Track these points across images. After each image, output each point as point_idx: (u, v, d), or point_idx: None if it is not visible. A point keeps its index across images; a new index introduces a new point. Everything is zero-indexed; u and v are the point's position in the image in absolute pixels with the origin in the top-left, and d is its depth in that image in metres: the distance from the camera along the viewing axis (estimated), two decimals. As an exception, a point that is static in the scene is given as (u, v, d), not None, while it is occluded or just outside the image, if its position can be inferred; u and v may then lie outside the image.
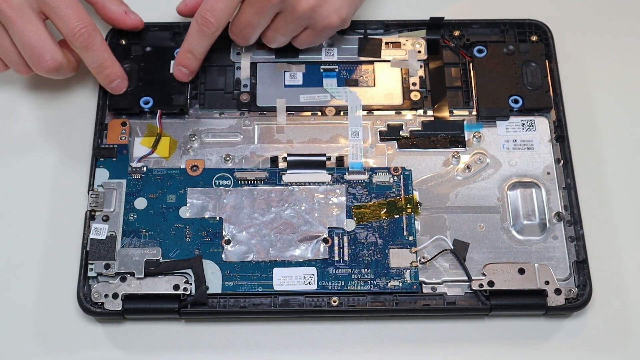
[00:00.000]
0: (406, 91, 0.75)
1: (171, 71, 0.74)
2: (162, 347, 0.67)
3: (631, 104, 0.77)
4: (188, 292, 0.66)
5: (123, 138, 0.72)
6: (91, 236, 0.68)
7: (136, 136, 0.73)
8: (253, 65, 0.76)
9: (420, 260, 0.68)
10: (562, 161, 0.72)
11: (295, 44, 0.73)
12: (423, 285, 0.67)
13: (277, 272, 0.67)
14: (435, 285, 0.67)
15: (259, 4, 0.68)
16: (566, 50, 0.78)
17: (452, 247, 0.68)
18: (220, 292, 0.66)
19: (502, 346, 0.67)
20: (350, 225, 0.69)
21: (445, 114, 0.74)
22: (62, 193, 0.72)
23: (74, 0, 0.68)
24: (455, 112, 0.74)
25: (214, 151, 0.72)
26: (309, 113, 0.74)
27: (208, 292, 0.66)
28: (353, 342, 0.67)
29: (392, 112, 0.74)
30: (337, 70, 0.76)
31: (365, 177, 0.71)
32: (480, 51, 0.76)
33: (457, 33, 0.77)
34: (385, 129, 0.74)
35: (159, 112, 0.73)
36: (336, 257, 0.68)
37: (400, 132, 0.73)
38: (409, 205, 0.70)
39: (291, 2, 0.68)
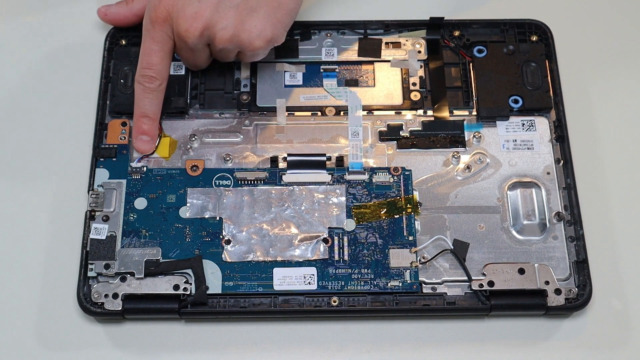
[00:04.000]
0: (406, 91, 0.75)
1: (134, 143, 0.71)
2: (162, 347, 0.67)
3: (631, 104, 0.77)
4: (188, 292, 0.66)
5: (123, 138, 0.72)
6: (91, 236, 0.68)
7: (136, 136, 0.73)
8: (253, 65, 0.76)
9: (420, 260, 0.68)
10: (562, 161, 0.72)
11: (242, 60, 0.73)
12: (423, 285, 0.67)
13: (277, 272, 0.67)
14: (435, 285, 0.67)
15: (185, 49, 0.69)
16: (566, 50, 0.78)
17: (452, 247, 0.68)
18: (220, 292, 0.66)
19: (502, 346, 0.67)
20: (350, 225, 0.69)
21: (445, 114, 0.74)
22: (62, 193, 0.72)
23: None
24: (455, 112, 0.74)
25: (214, 151, 0.72)
26: (309, 113, 0.74)
27: (208, 292, 0.66)
28: (353, 342, 0.67)
29: (392, 112, 0.74)
30: (337, 70, 0.76)
31: (365, 177, 0.71)
32: (480, 51, 0.76)
33: (457, 33, 0.77)
34: (385, 129, 0.73)
35: (158, 114, 0.73)
36: (336, 257, 0.68)
37: (400, 132, 0.73)
38: (409, 205, 0.70)
39: (210, 38, 0.68)
